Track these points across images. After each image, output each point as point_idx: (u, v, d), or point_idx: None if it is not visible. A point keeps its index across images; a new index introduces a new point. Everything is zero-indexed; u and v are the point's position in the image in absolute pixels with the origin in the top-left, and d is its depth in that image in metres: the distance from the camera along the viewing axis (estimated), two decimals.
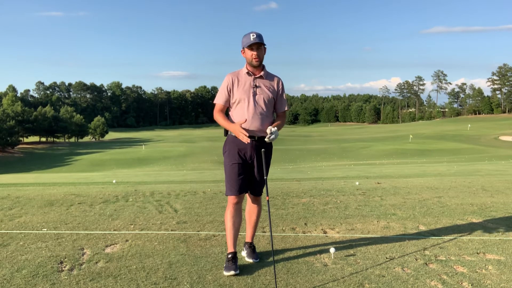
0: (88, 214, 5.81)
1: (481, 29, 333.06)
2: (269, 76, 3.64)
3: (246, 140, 3.39)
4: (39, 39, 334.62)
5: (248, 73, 3.57)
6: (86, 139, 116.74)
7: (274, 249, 4.00)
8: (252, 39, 3.42)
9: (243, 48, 3.52)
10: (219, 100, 3.61)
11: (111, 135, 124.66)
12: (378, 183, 9.54)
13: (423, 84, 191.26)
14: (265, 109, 3.53)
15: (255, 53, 3.47)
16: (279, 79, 3.67)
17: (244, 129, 3.45)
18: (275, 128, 3.50)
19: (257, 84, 3.55)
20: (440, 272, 3.42)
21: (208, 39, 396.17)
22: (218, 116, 3.61)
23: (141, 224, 5.16)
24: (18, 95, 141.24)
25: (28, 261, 3.70)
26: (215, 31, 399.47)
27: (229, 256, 3.49)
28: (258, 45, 3.47)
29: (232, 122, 3.56)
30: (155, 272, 3.43)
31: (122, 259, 3.76)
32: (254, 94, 3.52)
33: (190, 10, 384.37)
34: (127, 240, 4.38)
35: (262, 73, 3.58)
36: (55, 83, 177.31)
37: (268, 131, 3.47)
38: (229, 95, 3.58)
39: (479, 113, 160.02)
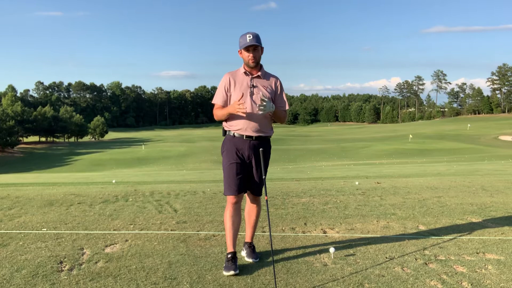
0: (87, 214, 5.80)
1: (481, 29, 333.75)
2: (267, 76, 3.63)
3: (242, 108, 3.33)
4: (39, 39, 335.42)
5: (245, 72, 3.57)
6: (86, 139, 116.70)
7: (274, 249, 4.00)
8: (248, 41, 3.41)
9: (240, 49, 3.52)
10: (217, 100, 3.61)
11: (111, 135, 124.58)
12: (377, 183, 9.54)
13: (423, 84, 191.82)
14: None
15: (251, 55, 3.46)
16: (276, 78, 3.67)
17: (242, 129, 3.48)
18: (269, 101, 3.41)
19: (255, 84, 3.54)
20: (440, 272, 3.42)
21: (207, 38, 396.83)
22: (217, 111, 3.61)
23: (141, 224, 5.16)
24: (18, 95, 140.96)
25: (28, 261, 3.70)
26: (214, 30, 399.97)
27: (229, 256, 3.49)
28: (255, 47, 3.46)
29: (231, 122, 3.56)
30: (155, 272, 3.43)
31: (121, 259, 3.76)
32: (251, 94, 3.51)
33: (190, 9, 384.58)
34: (126, 240, 4.38)
35: (259, 73, 3.57)
36: (54, 83, 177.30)
37: (260, 101, 3.38)
38: (227, 95, 3.58)
39: (479, 113, 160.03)
